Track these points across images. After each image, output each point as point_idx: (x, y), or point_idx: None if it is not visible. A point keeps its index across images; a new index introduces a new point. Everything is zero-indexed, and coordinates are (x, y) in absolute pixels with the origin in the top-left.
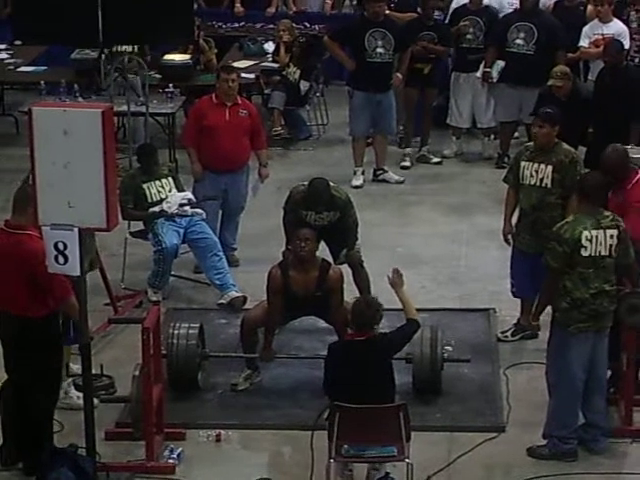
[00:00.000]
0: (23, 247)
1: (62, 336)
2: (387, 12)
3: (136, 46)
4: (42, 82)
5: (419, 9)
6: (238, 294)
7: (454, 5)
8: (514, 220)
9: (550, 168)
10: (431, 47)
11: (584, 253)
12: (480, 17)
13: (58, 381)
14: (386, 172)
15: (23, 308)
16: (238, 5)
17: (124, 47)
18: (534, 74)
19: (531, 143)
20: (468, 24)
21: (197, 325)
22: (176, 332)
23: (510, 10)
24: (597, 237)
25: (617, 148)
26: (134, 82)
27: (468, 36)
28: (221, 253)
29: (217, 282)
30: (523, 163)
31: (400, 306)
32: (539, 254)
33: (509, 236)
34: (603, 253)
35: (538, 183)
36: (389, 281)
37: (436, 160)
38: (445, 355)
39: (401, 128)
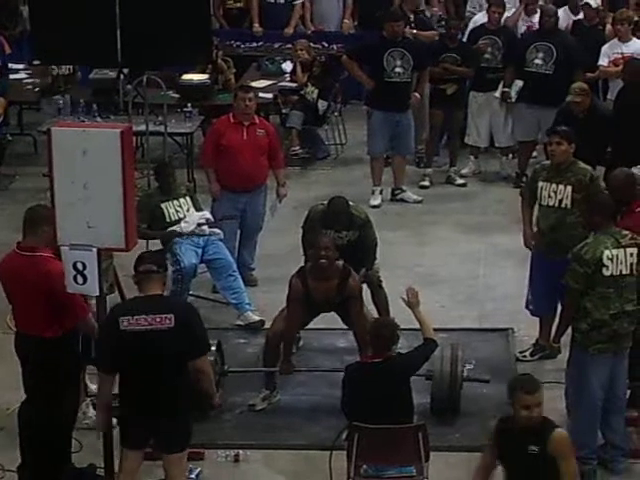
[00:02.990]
0: (38, 269)
1: (84, 354)
2: (414, 32)
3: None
4: (61, 101)
5: (437, 28)
6: (255, 318)
7: (471, 26)
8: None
9: (570, 188)
10: (453, 68)
11: (605, 273)
12: (498, 37)
13: (76, 401)
14: (404, 192)
15: (39, 329)
16: (256, 25)
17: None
18: (553, 94)
19: (548, 162)
20: (487, 43)
21: (215, 342)
22: None
23: (523, 28)
24: (618, 256)
25: (624, 170)
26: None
27: (486, 56)
28: (236, 273)
29: (233, 301)
30: (541, 183)
31: (418, 326)
32: (557, 262)
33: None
34: (624, 272)
35: (557, 204)
36: (405, 302)
37: (460, 182)
38: (465, 374)
39: (420, 148)
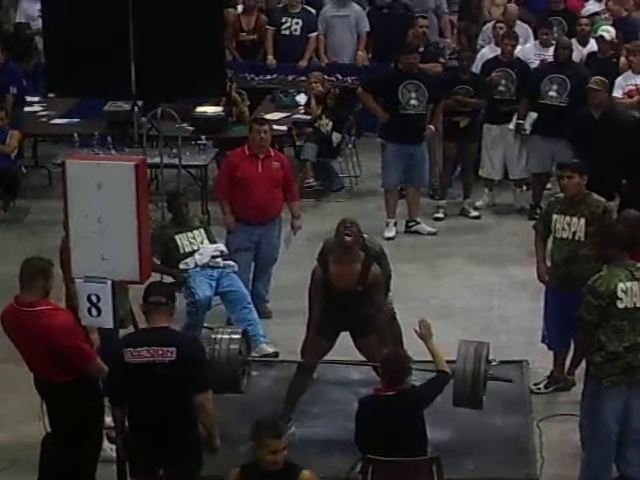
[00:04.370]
0: (39, 323)
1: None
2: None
3: None
4: (75, 134)
5: (442, 59)
6: (270, 350)
7: (479, 58)
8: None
9: (583, 221)
10: (465, 100)
11: (620, 305)
12: (512, 69)
13: (98, 442)
14: (418, 224)
15: (51, 375)
16: (270, 57)
17: None
18: (567, 126)
19: (562, 195)
20: (501, 75)
21: (239, 330)
22: (218, 337)
23: (537, 62)
24: (632, 288)
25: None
26: None
27: (500, 88)
28: (251, 305)
29: None
30: (555, 216)
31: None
32: (571, 296)
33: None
34: (638, 305)
35: (570, 237)
36: (417, 334)
37: (474, 214)
38: (489, 373)
39: (434, 180)
